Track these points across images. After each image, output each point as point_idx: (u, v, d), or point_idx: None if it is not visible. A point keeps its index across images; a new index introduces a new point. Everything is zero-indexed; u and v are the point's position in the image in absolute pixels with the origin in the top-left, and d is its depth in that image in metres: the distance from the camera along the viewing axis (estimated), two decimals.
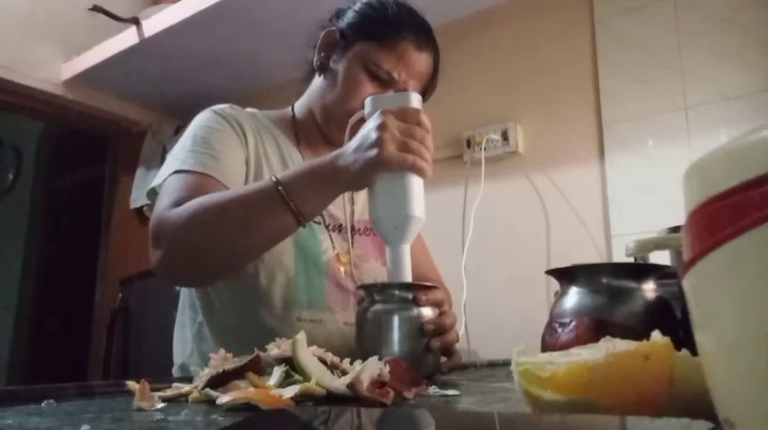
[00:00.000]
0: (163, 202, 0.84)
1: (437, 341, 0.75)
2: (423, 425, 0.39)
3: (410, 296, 0.75)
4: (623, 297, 0.60)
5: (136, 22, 2.03)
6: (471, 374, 0.84)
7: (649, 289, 0.60)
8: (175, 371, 1.00)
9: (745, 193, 0.21)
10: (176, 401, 0.52)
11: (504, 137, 1.69)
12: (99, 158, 2.72)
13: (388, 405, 0.48)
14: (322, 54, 1.00)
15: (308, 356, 0.55)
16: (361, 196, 1.07)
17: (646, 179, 1.46)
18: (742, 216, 0.21)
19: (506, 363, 0.44)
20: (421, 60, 0.97)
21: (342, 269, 0.99)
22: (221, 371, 0.53)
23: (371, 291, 0.77)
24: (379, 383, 0.51)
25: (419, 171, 0.78)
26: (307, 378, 0.52)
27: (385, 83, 0.95)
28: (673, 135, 1.45)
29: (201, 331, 0.96)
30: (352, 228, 1.03)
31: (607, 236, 1.52)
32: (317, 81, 1.03)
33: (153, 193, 0.92)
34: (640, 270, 0.63)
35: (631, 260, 0.72)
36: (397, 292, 0.76)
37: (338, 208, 1.01)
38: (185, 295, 1.02)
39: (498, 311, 1.58)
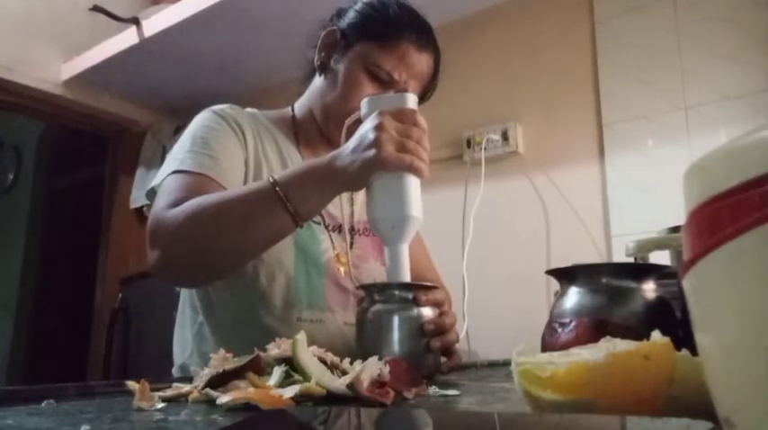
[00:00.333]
0: (161, 202, 0.84)
1: (437, 341, 0.75)
2: (423, 425, 0.39)
3: (410, 296, 0.75)
4: (623, 297, 0.60)
5: (136, 22, 2.03)
6: (471, 374, 0.84)
7: (649, 289, 0.60)
8: (175, 372, 1.00)
9: (744, 193, 0.21)
10: (176, 401, 0.53)
11: (504, 137, 1.69)
12: (99, 158, 2.72)
13: (388, 405, 0.48)
14: (322, 54, 1.00)
15: (308, 356, 0.55)
16: (360, 196, 1.07)
17: (646, 179, 1.46)
18: (742, 216, 0.21)
19: (506, 363, 0.44)
20: (422, 61, 0.97)
21: (341, 269, 0.99)
22: (221, 371, 0.53)
23: (371, 291, 0.77)
24: (379, 383, 0.51)
25: (416, 171, 0.78)
26: (307, 378, 0.52)
27: (385, 83, 0.95)
28: (673, 135, 1.45)
29: (201, 331, 0.96)
30: (352, 228, 1.03)
31: (607, 236, 1.52)
32: (318, 81, 1.03)
33: (152, 193, 0.92)
34: (640, 270, 0.64)
35: (631, 260, 0.73)
36: (397, 292, 0.76)
37: (337, 208, 1.01)
38: (185, 295, 1.02)
39: (498, 311, 1.57)
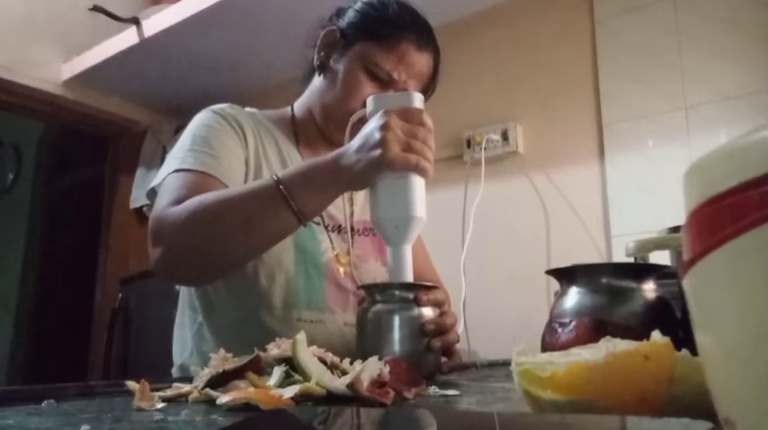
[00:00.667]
0: (162, 201, 0.84)
1: (437, 341, 0.75)
2: (423, 425, 0.39)
3: (411, 296, 0.75)
4: (623, 297, 0.60)
5: (136, 22, 2.03)
6: (471, 374, 0.84)
7: (649, 289, 0.60)
8: (175, 372, 1.00)
9: (744, 193, 0.21)
10: (176, 401, 0.52)
11: (504, 137, 1.69)
12: (99, 158, 2.72)
13: (388, 405, 0.48)
14: (322, 53, 1.00)
15: (308, 356, 0.55)
16: (360, 196, 1.07)
17: (646, 179, 1.46)
18: (742, 216, 0.21)
19: (506, 363, 0.44)
20: (421, 61, 0.97)
21: (341, 269, 0.99)
22: (221, 371, 0.53)
23: (372, 292, 0.77)
24: (379, 383, 0.51)
25: (422, 172, 0.78)
26: (307, 378, 0.52)
27: (385, 83, 0.95)
28: (673, 135, 1.45)
29: (201, 331, 0.96)
30: (351, 228, 1.03)
31: (607, 236, 1.52)
32: (317, 80, 1.03)
33: (153, 193, 0.92)
34: (640, 270, 0.63)
35: (631, 260, 0.72)
36: (397, 292, 0.76)
37: (337, 208, 1.01)
38: (185, 295, 1.01)
39: (498, 311, 1.58)
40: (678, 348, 0.35)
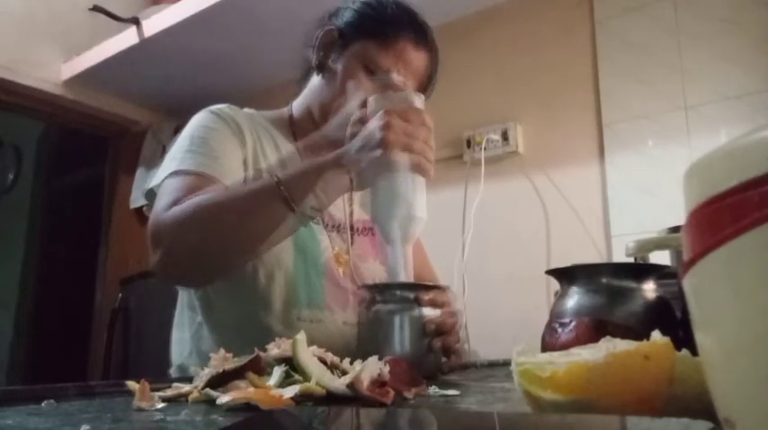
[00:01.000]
0: (161, 203, 0.84)
1: (438, 341, 0.75)
2: (423, 425, 0.39)
3: (412, 296, 0.75)
4: (623, 297, 0.60)
5: (136, 22, 2.03)
6: (471, 374, 0.84)
7: (649, 289, 0.60)
8: (173, 372, 1.00)
9: (744, 193, 0.21)
10: (176, 401, 0.52)
11: (504, 137, 1.69)
12: (99, 158, 2.72)
13: (388, 404, 0.48)
14: (320, 53, 0.99)
15: (308, 356, 0.55)
16: (359, 195, 1.07)
17: (646, 179, 1.46)
18: (742, 216, 0.21)
19: (506, 363, 0.44)
20: (419, 59, 0.97)
21: (340, 269, 0.99)
22: (221, 371, 0.53)
23: (374, 292, 0.77)
24: (379, 383, 0.51)
25: (423, 172, 0.78)
26: (307, 378, 0.52)
27: (383, 83, 0.94)
28: (673, 135, 1.45)
29: (200, 331, 0.96)
30: (351, 227, 1.03)
31: (607, 236, 1.52)
32: (315, 80, 1.03)
33: (151, 194, 0.92)
34: (640, 270, 0.63)
35: (631, 260, 0.73)
36: (399, 292, 0.76)
37: (337, 208, 1.01)
38: (184, 295, 1.01)
39: (498, 311, 1.58)
40: (678, 348, 0.35)
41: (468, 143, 1.75)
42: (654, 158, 1.46)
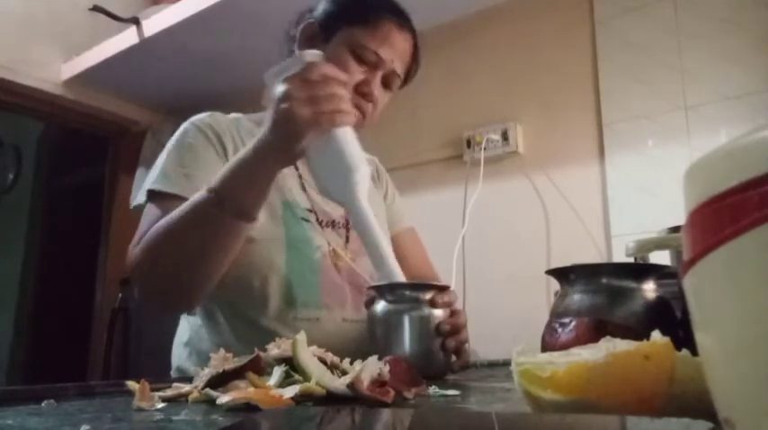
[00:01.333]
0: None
1: (452, 340, 0.75)
2: (423, 425, 0.39)
3: (421, 296, 0.76)
4: (623, 297, 0.60)
5: (136, 22, 2.03)
6: (471, 374, 0.84)
7: (649, 289, 0.60)
8: (173, 374, 1.00)
9: (744, 193, 0.21)
10: (176, 401, 0.52)
11: (504, 137, 1.69)
12: (99, 158, 2.72)
13: (388, 404, 0.48)
14: (304, 48, 0.99)
15: (308, 356, 0.55)
16: None
17: (646, 179, 1.46)
18: (742, 216, 0.21)
19: (506, 363, 0.44)
20: (403, 40, 0.98)
21: (338, 265, 0.98)
22: (221, 371, 0.53)
23: (383, 292, 0.78)
24: (379, 383, 0.51)
25: (340, 123, 0.77)
26: (307, 378, 0.52)
27: (372, 65, 0.95)
28: (673, 135, 1.45)
29: (200, 333, 0.96)
30: (347, 222, 1.03)
31: (607, 236, 1.52)
32: None
33: (141, 206, 0.94)
34: (640, 270, 0.63)
35: (631, 260, 0.73)
36: (408, 293, 0.76)
37: (330, 205, 1.01)
38: None
39: (498, 311, 1.57)
40: (678, 348, 0.35)
41: (468, 143, 1.75)
42: (654, 158, 1.46)
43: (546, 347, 0.60)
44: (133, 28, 2.04)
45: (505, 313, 1.57)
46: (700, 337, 0.25)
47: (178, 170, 0.90)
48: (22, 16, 2.22)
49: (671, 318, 0.59)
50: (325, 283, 0.96)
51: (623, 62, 1.54)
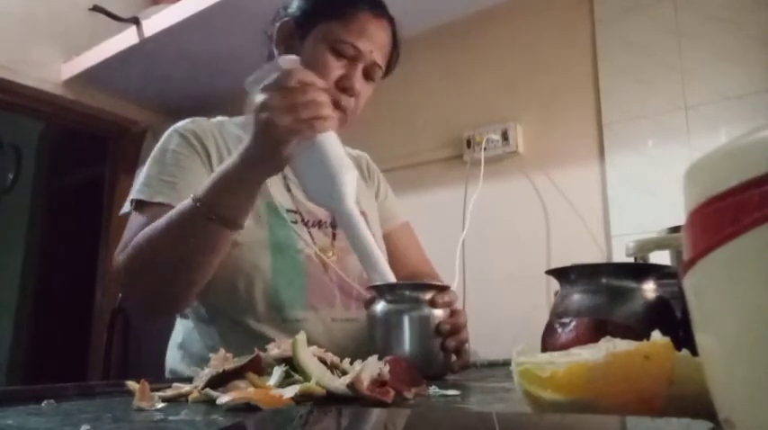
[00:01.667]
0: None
1: (453, 340, 0.75)
2: (423, 426, 0.39)
3: (421, 296, 0.76)
4: (623, 297, 0.60)
5: (136, 22, 2.03)
6: (471, 374, 0.84)
7: (649, 289, 0.60)
8: (167, 376, 1.00)
9: (744, 193, 0.21)
10: (176, 401, 0.53)
11: (504, 137, 1.69)
12: (99, 158, 2.72)
13: (388, 404, 0.48)
14: (281, 47, 0.99)
15: (308, 356, 0.55)
16: None
17: (646, 179, 1.46)
18: (742, 216, 0.21)
19: (506, 363, 0.44)
20: (381, 30, 0.97)
21: (325, 263, 0.98)
22: (221, 371, 0.53)
23: (383, 292, 0.78)
24: (379, 383, 0.51)
25: (321, 128, 0.77)
26: (307, 378, 0.52)
27: (351, 58, 0.94)
28: (673, 135, 1.45)
29: (192, 335, 0.97)
30: (333, 221, 1.02)
31: (607, 236, 1.52)
32: None
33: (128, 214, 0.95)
34: (640, 270, 0.63)
35: (631, 260, 0.72)
36: (408, 292, 0.76)
37: (316, 205, 1.01)
38: None
39: (498, 311, 1.57)
40: (678, 348, 0.35)
41: (468, 143, 1.75)
42: (654, 158, 1.46)
43: (546, 347, 0.60)
44: (133, 28, 2.04)
45: (505, 313, 1.57)
46: (700, 337, 0.25)
47: (162, 178, 0.91)
48: (22, 16, 2.22)
49: (671, 318, 0.59)
50: (313, 284, 0.95)
51: (623, 62, 1.54)
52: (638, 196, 1.46)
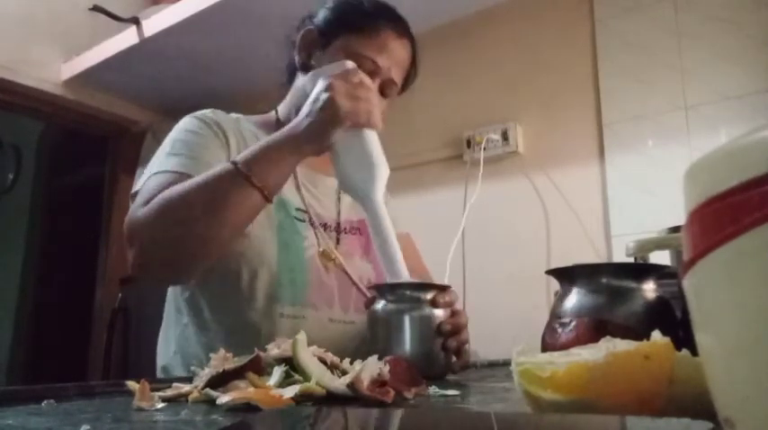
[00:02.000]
0: (135, 203, 0.86)
1: (453, 340, 0.75)
2: (423, 426, 0.39)
3: (422, 296, 0.76)
4: (623, 297, 0.60)
5: (136, 22, 2.03)
6: (471, 374, 0.84)
7: (649, 289, 0.60)
8: (158, 373, 1.00)
9: (744, 193, 0.21)
10: (176, 401, 0.52)
11: (504, 137, 1.69)
12: (99, 158, 2.72)
13: (388, 403, 0.48)
14: (303, 53, 1.00)
15: (308, 356, 0.55)
16: (348, 196, 1.08)
17: (646, 179, 1.46)
18: (742, 216, 0.21)
19: (506, 363, 0.44)
20: (401, 48, 0.99)
21: (328, 265, 0.98)
22: (221, 371, 0.53)
23: (384, 291, 0.78)
24: (379, 383, 0.51)
25: (372, 124, 0.84)
26: (307, 378, 0.52)
27: (369, 72, 0.94)
28: (673, 135, 1.45)
29: (186, 332, 0.96)
30: (338, 226, 1.04)
31: (607, 236, 1.52)
32: (300, 81, 1.03)
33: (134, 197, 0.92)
34: (640, 270, 0.63)
35: (631, 260, 0.73)
36: (408, 292, 0.76)
37: (324, 208, 1.03)
38: (171, 298, 1.02)
39: (498, 311, 1.57)
40: (678, 348, 0.35)
41: (468, 143, 1.75)
42: (654, 158, 1.46)
43: (546, 347, 0.60)
44: (133, 28, 2.04)
45: (505, 313, 1.57)
46: (700, 337, 0.25)
47: (184, 152, 0.90)
48: (22, 16, 2.22)
49: (671, 318, 0.59)
50: (314, 283, 0.96)
51: (623, 62, 1.54)
52: (638, 196, 1.46)
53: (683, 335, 0.39)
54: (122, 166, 2.60)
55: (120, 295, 2.20)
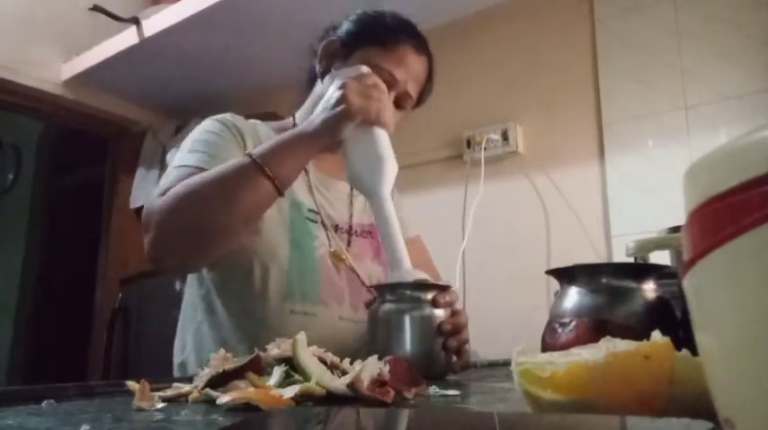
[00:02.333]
0: (154, 194, 0.89)
1: (454, 340, 0.76)
2: (423, 426, 0.39)
3: (423, 296, 0.76)
4: (623, 297, 0.60)
5: (136, 22, 2.03)
6: (471, 374, 0.84)
7: (649, 289, 0.60)
8: (176, 370, 1.02)
9: (744, 193, 0.21)
10: (176, 401, 0.52)
11: (504, 137, 1.69)
12: (99, 158, 2.72)
13: (388, 403, 0.48)
14: (324, 62, 1.03)
15: (308, 356, 0.55)
16: (360, 200, 1.09)
17: (646, 179, 1.46)
18: (742, 216, 0.21)
19: (506, 363, 0.44)
20: (419, 63, 1.02)
21: (338, 266, 1.01)
22: (221, 371, 0.53)
23: (384, 291, 0.78)
24: (379, 383, 0.51)
25: (383, 124, 0.88)
26: (307, 378, 0.52)
27: (387, 84, 0.96)
28: (673, 135, 1.45)
29: (200, 329, 0.98)
30: (350, 228, 1.06)
31: (607, 236, 1.52)
32: (318, 88, 1.04)
33: None
34: (640, 270, 0.63)
35: (631, 260, 0.73)
36: (409, 292, 0.76)
37: (336, 210, 1.05)
38: (187, 295, 1.04)
39: (498, 311, 1.57)
40: (678, 348, 0.35)
41: (468, 143, 1.75)
42: (654, 158, 1.46)
43: (546, 347, 0.60)
44: (133, 28, 2.04)
45: (505, 313, 1.57)
46: (700, 337, 0.25)
47: (204, 150, 0.93)
48: (22, 16, 2.22)
49: (671, 318, 0.59)
50: (325, 281, 0.98)
51: (623, 62, 1.54)
52: (638, 196, 1.46)
53: (683, 335, 0.39)
54: (122, 166, 2.60)
55: (120, 295, 2.20)
